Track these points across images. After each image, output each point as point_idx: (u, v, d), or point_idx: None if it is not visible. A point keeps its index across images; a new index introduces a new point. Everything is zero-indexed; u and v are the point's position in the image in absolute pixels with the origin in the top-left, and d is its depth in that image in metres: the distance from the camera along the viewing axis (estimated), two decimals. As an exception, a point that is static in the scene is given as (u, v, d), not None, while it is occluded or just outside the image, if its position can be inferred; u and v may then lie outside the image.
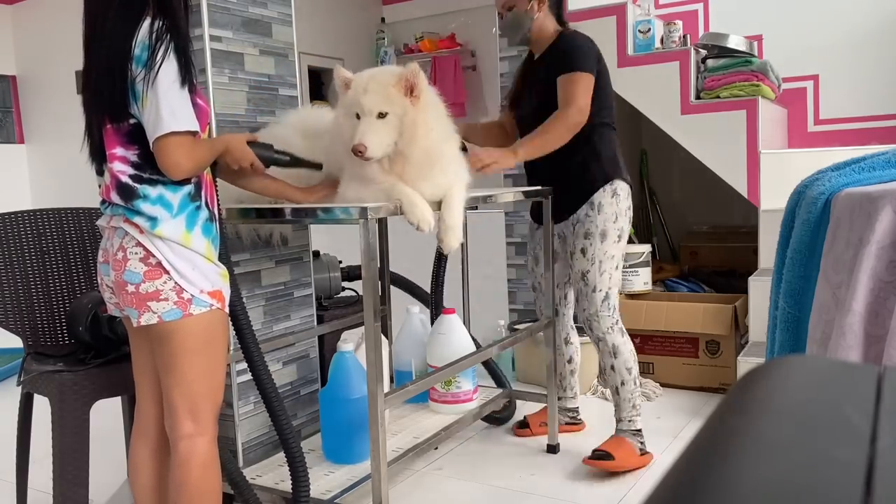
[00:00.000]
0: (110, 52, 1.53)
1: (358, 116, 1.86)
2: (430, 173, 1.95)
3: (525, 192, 2.55)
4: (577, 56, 2.43)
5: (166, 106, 1.49)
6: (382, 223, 2.88)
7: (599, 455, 2.47)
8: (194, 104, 1.57)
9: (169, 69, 1.50)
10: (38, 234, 2.29)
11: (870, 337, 1.19)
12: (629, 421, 2.54)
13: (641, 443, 2.54)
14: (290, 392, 2.51)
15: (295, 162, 1.90)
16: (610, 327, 2.51)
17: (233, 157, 1.75)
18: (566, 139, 2.38)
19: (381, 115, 1.84)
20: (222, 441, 1.76)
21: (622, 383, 2.52)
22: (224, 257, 1.74)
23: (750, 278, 3.16)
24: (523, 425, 2.86)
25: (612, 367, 2.52)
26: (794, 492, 0.30)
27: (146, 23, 1.51)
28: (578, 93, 2.38)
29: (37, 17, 5.16)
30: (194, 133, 1.55)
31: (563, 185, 2.54)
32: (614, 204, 2.48)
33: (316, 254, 2.84)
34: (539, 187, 2.58)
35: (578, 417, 2.92)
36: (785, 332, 1.46)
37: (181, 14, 1.58)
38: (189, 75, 1.55)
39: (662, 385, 3.34)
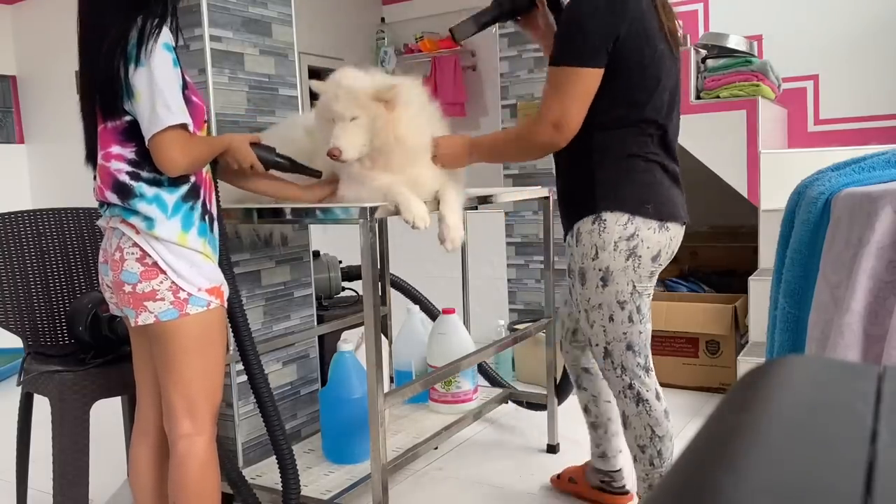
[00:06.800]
0: (105, 49, 1.53)
1: (333, 120, 1.87)
2: (415, 163, 1.94)
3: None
4: (566, 35, 1.74)
5: (161, 101, 1.49)
6: (382, 223, 2.88)
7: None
8: (189, 101, 1.57)
9: (160, 64, 1.50)
10: (38, 234, 2.29)
11: (869, 337, 1.19)
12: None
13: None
14: (290, 392, 2.51)
15: (295, 167, 1.90)
16: (621, 391, 1.95)
17: (233, 156, 1.75)
18: (520, 158, 1.89)
19: (353, 119, 1.84)
20: (222, 441, 1.76)
21: (634, 458, 1.99)
22: (224, 258, 1.74)
23: (750, 278, 3.16)
24: (560, 476, 2.40)
25: (625, 438, 2.02)
26: (794, 492, 0.30)
27: (139, 20, 1.52)
28: (552, 101, 1.74)
29: (37, 17, 5.16)
30: (185, 126, 1.55)
31: (564, 199, 1.98)
32: (595, 233, 1.82)
33: (316, 254, 2.84)
34: (538, 188, 2.51)
35: (620, 483, 2.24)
36: (785, 331, 1.46)
37: (170, 9, 1.58)
38: (179, 69, 1.55)
39: (662, 385, 3.30)
